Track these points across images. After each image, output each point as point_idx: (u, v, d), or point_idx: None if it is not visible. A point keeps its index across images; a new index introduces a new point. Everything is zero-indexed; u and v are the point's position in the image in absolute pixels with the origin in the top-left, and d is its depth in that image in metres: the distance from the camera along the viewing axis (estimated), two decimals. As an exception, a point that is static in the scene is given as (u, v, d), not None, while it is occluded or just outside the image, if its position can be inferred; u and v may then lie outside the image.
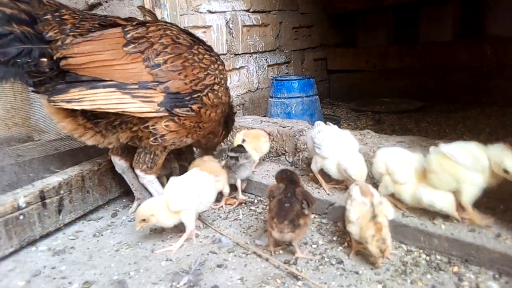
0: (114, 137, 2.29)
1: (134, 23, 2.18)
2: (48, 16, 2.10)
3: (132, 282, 1.82)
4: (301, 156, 2.83)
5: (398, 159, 2.11)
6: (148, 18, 2.43)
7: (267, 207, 2.02)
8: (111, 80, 2.06)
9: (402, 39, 5.38)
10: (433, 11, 5.29)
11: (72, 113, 2.17)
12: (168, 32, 2.19)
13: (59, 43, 2.07)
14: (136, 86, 2.06)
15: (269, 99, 4.16)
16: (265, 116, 4.06)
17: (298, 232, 1.84)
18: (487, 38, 4.70)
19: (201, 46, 2.28)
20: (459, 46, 4.69)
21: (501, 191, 1.92)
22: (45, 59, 2.05)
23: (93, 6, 4.13)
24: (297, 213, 1.83)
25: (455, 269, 1.76)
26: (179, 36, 2.22)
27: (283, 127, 3.01)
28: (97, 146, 2.39)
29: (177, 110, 2.14)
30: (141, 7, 2.62)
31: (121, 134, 2.26)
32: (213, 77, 2.24)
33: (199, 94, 2.19)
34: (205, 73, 2.21)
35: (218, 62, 2.31)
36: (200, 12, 3.78)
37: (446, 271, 1.75)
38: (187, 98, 2.16)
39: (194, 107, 2.19)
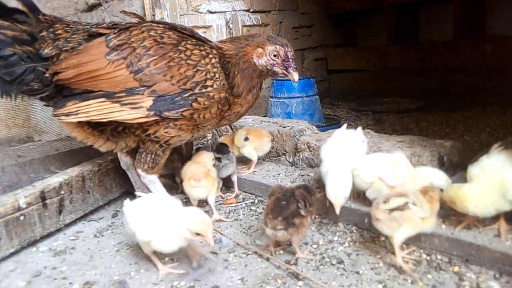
0: (123, 142, 2.30)
1: (117, 30, 2.15)
2: (44, 33, 2.15)
3: (133, 283, 1.82)
4: (301, 156, 2.83)
5: (388, 162, 2.05)
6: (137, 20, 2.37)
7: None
8: (100, 90, 2.06)
9: (402, 39, 5.37)
10: (433, 10, 5.29)
11: (78, 123, 2.20)
12: (151, 33, 2.12)
13: (54, 59, 2.12)
14: (124, 94, 2.04)
15: (269, 99, 4.16)
16: (265, 116, 4.06)
17: (291, 231, 1.82)
18: (488, 37, 4.69)
19: (189, 41, 2.15)
20: (460, 46, 4.68)
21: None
22: (48, 75, 2.11)
23: (93, 7, 4.14)
24: (292, 212, 1.83)
25: (456, 269, 1.75)
26: (164, 35, 2.12)
27: (284, 127, 3.01)
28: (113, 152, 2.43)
29: (166, 113, 2.06)
30: (124, 11, 2.59)
31: (127, 139, 2.28)
32: (204, 73, 2.09)
33: (190, 92, 2.08)
34: (194, 70, 2.07)
35: (210, 56, 2.15)
36: (200, 12, 3.78)
37: (446, 271, 1.75)
38: (177, 99, 2.06)
39: (186, 113, 2.10)
